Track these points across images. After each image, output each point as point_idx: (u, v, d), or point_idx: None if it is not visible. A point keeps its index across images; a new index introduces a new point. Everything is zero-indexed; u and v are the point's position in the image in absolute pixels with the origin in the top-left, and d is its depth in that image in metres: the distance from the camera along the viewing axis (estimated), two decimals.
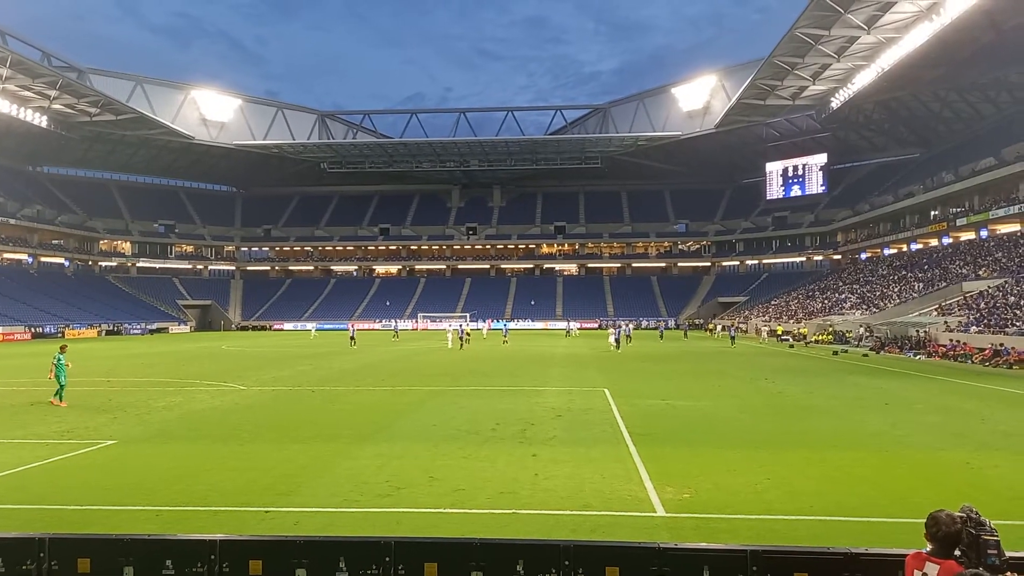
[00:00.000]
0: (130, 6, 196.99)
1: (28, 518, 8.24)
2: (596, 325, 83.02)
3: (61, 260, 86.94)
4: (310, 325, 73.98)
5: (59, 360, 18.36)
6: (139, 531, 6.91)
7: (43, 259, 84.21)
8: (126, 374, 26.71)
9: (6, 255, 79.66)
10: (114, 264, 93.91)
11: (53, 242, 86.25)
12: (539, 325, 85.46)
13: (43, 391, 20.77)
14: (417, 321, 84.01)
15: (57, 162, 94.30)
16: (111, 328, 71.84)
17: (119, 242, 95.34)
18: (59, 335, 64.20)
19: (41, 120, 73.65)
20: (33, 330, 63.08)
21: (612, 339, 42.92)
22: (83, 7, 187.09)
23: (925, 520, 3.48)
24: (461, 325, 52.93)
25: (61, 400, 17.81)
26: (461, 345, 44.49)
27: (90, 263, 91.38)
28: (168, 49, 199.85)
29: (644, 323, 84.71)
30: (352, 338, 48.21)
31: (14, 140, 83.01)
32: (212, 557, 3.82)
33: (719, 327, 63.59)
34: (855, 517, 8.19)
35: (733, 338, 50.99)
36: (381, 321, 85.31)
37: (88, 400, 18.71)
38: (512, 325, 76.18)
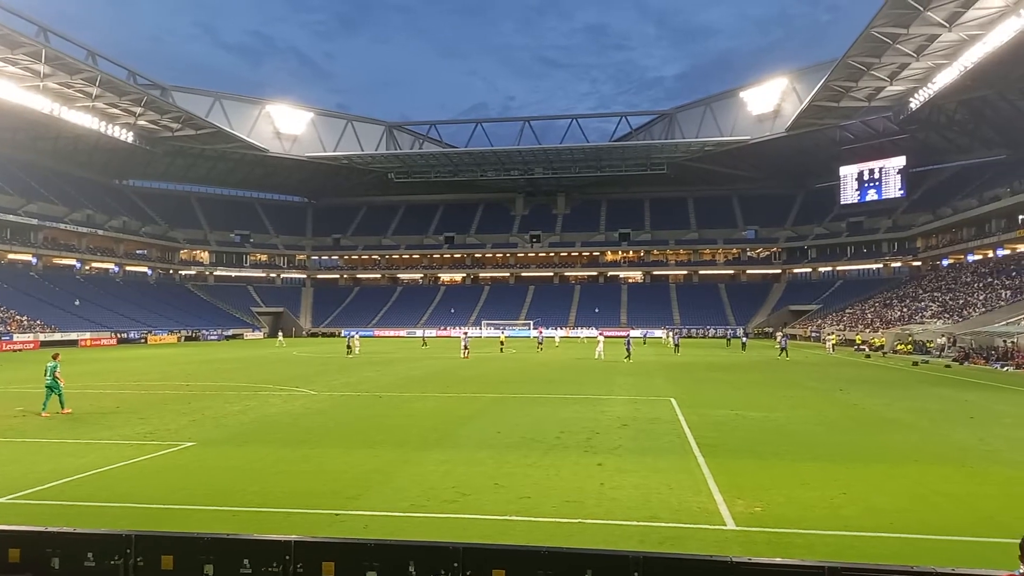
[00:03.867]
0: (206, 26, 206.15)
1: (115, 515, 8.64)
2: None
3: (144, 269, 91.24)
4: (280, 335, 67.93)
5: (53, 368, 17.05)
6: (218, 530, 7.16)
7: (128, 268, 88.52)
8: (203, 378, 27.75)
9: (95, 264, 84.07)
10: (193, 272, 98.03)
11: (137, 252, 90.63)
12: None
13: (127, 394, 21.78)
14: (481, 329, 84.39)
15: (141, 176, 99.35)
16: (189, 334, 74.80)
17: (198, 251, 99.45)
18: (143, 341, 67.29)
19: (127, 136, 77.69)
20: (119, 335, 66.23)
21: (599, 348, 41.28)
22: (162, 28, 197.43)
23: (1020, 541, 3.31)
24: (466, 333, 49.34)
25: (44, 410, 16.90)
26: (464, 354, 41.01)
27: (171, 272, 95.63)
28: (242, 66, 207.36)
29: (712, 331, 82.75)
30: (349, 347, 44.98)
31: (103, 155, 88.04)
32: (287, 557, 3.93)
33: (779, 336, 59.69)
34: (939, 535, 7.80)
35: (784, 349, 42.72)
36: (406, 329, 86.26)
37: (169, 404, 19.51)
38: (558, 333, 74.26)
